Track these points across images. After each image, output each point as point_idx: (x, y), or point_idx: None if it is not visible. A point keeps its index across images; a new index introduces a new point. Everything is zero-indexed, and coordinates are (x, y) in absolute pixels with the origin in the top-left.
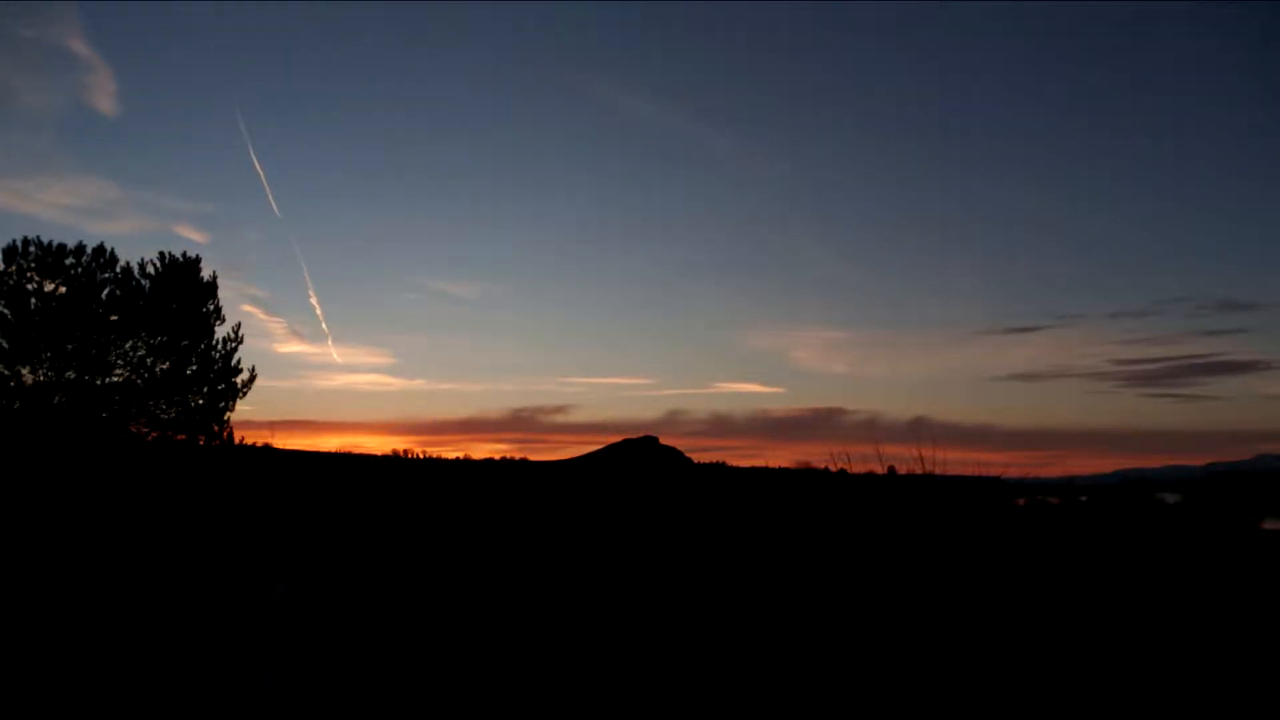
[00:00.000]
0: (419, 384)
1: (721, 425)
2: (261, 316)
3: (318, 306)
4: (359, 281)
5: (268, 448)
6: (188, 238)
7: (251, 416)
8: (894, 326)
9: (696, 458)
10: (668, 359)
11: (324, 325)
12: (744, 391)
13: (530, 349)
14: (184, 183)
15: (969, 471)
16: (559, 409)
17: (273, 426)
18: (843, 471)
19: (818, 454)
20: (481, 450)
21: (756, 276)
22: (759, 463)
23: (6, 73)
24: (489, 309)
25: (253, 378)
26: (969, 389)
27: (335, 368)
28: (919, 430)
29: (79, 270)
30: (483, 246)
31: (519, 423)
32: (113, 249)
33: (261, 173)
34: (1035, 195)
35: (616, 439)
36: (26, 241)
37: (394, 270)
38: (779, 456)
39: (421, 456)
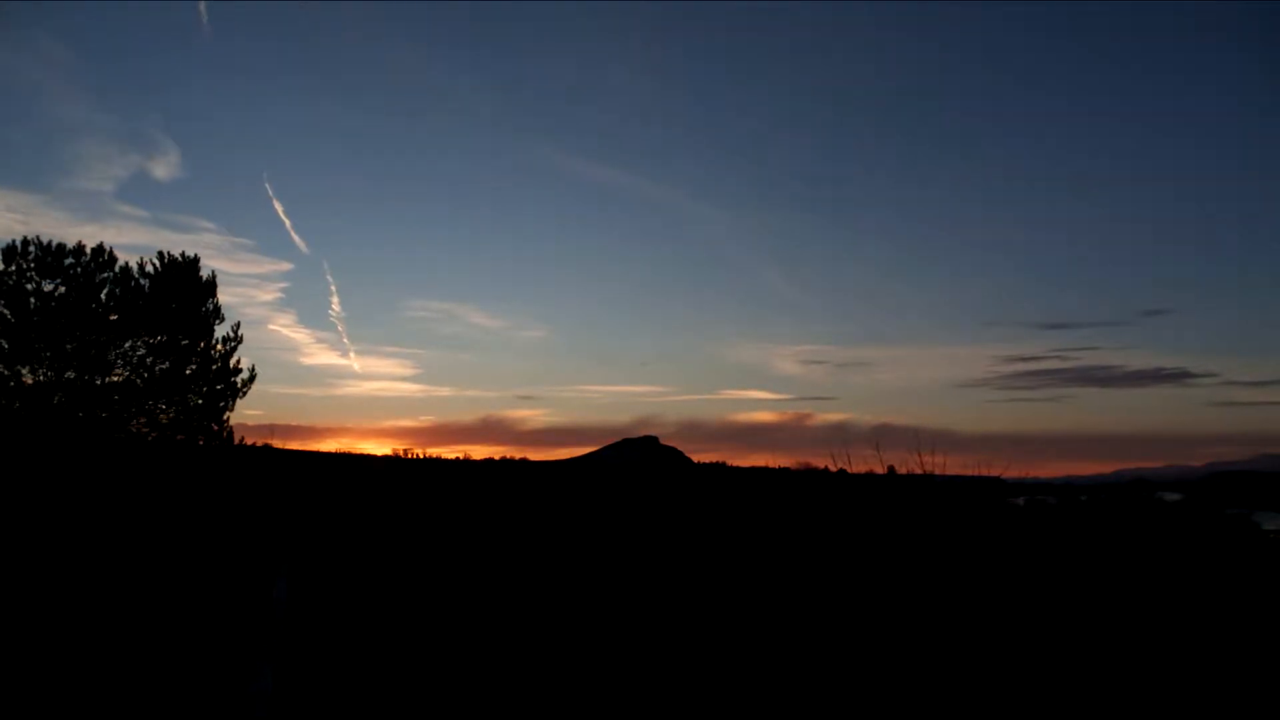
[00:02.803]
0: (425, 390)
1: (726, 429)
2: (289, 333)
3: (340, 324)
4: (376, 301)
5: (267, 448)
6: (224, 269)
7: (279, 419)
8: (841, 342)
9: (696, 458)
10: (667, 370)
11: (345, 339)
12: (749, 398)
13: (538, 360)
14: (222, 226)
15: (968, 472)
16: (559, 412)
17: (272, 429)
18: (842, 471)
19: (808, 454)
20: (481, 451)
21: (733, 304)
22: (759, 462)
23: (89, 147)
24: (493, 325)
25: (252, 377)
26: (924, 397)
27: (354, 375)
28: (884, 434)
29: (79, 270)
30: (490, 277)
31: (526, 426)
32: (111, 249)
33: (287, 222)
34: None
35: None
36: (26, 241)
37: (407, 291)
38: (775, 457)
39: (421, 456)
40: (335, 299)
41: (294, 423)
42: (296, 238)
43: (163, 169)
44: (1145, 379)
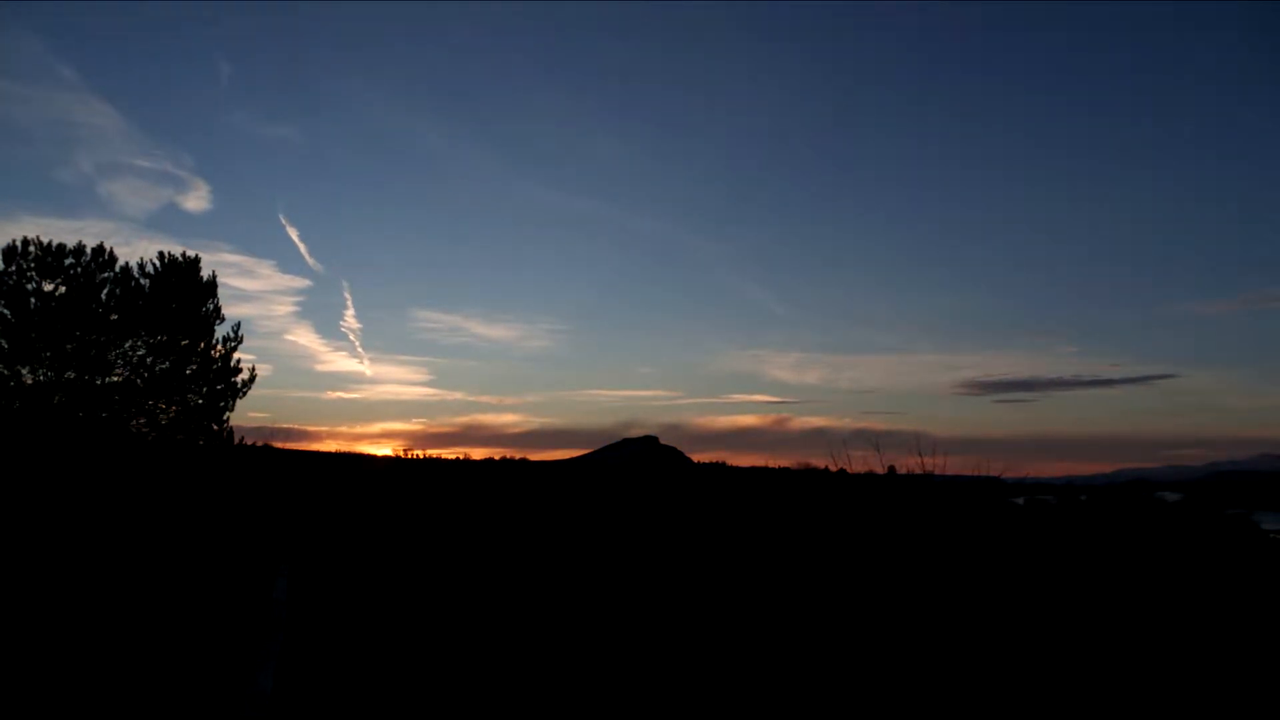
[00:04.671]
0: (436, 395)
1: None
2: (304, 342)
3: (351, 333)
4: (388, 314)
5: (267, 448)
6: (245, 288)
7: (287, 423)
8: (823, 350)
9: (696, 458)
10: (661, 377)
11: (359, 347)
12: (742, 402)
13: (536, 369)
14: (246, 252)
15: (967, 472)
16: (549, 416)
17: (272, 431)
18: (842, 471)
19: (787, 457)
20: (481, 453)
21: (721, 319)
22: (760, 462)
23: (126, 185)
24: (496, 337)
25: (252, 377)
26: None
27: (365, 381)
28: (861, 438)
29: (79, 270)
30: (495, 296)
31: (542, 429)
32: (111, 248)
33: (302, 246)
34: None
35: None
36: (26, 241)
37: (418, 305)
38: (759, 458)
39: (422, 456)
40: (350, 311)
41: (292, 425)
42: (311, 260)
43: (193, 203)
44: (1075, 385)
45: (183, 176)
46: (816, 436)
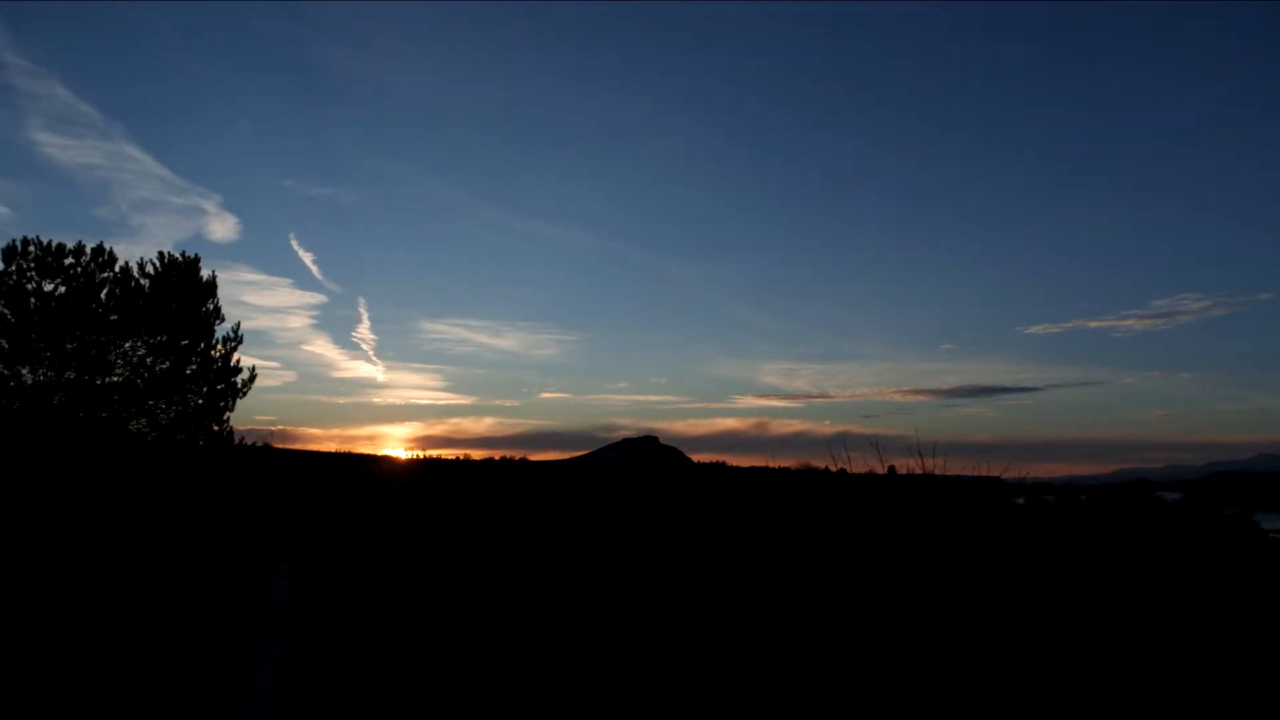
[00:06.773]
0: (444, 398)
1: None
2: (319, 351)
3: (364, 343)
4: (401, 323)
5: (267, 448)
6: (259, 302)
7: (289, 425)
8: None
9: (696, 458)
10: (650, 382)
11: (373, 354)
12: (760, 405)
13: (545, 375)
14: (263, 272)
15: (967, 472)
16: (607, 414)
17: (272, 433)
18: (842, 471)
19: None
20: (481, 453)
21: (709, 331)
22: (759, 463)
23: (161, 218)
24: (500, 345)
25: (252, 377)
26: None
27: (379, 386)
28: (844, 441)
29: (79, 270)
30: (501, 310)
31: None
32: (111, 248)
33: (315, 270)
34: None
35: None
36: (26, 241)
37: (425, 315)
38: (743, 458)
39: (422, 456)
40: (365, 324)
41: (287, 428)
42: (323, 279)
43: (220, 232)
44: (1000, 391)
45: (210, 210)
46: (800, 439)
